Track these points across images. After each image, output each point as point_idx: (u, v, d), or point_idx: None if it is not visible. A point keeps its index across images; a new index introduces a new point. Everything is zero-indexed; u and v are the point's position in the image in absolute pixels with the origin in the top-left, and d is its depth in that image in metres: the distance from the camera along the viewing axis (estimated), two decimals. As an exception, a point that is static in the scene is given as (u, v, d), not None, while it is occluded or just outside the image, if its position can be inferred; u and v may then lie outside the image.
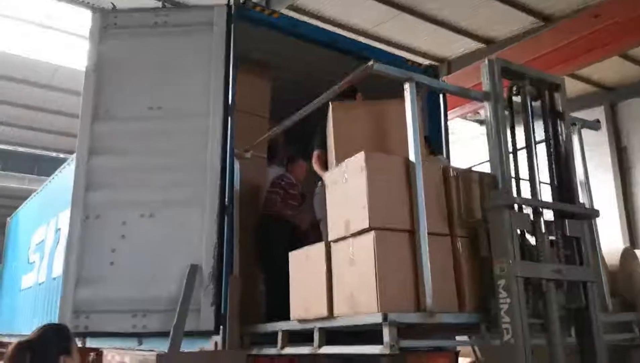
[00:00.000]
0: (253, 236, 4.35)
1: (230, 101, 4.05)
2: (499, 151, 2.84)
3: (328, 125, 3.46)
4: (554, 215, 2.98)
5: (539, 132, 3.10)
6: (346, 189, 2.85)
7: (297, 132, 4.78)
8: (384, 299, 2.56)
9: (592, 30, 8.03)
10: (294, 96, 5.24)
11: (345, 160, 2.88)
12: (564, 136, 3.11)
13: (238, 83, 4.64)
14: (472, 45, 9.55)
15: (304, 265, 3.14)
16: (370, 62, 2.86)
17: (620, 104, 11.15)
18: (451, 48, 9.69)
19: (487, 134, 2.93)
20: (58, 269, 7.06)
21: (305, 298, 3.07)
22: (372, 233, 2.64)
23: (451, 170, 2.96)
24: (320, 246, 2.99)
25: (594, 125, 3.59)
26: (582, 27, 8.15)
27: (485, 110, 2.97)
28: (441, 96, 5.31)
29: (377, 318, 2.52)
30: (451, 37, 9.26)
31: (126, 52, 4.18)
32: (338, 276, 2.86)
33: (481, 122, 12.97)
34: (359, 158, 2.75)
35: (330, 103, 3.45)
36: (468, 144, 11.36)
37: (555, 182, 3.04)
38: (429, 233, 2.71)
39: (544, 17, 8.93)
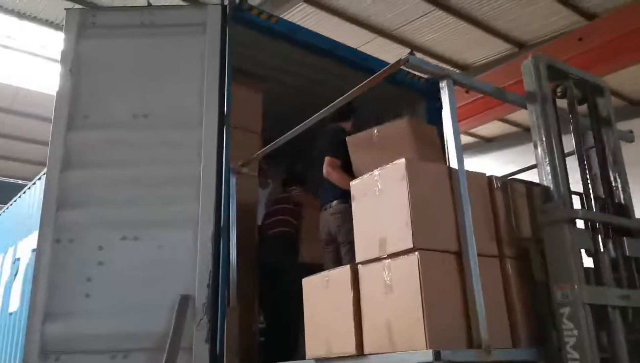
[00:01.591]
0: (248, 262, 3.86)
1: (225, 110, 3.62)
2: (551, 158, 2.48)
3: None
4: (608, 233, 2.62)
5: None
6: (380, 201, 2.43)
7: (278, 151, 4.43)
8: (433, 333, 2.13)
9: (575, 54, 7.95)
10: (285, 111, 4.91)
11: (378, 168, 2.47)
12: (611, 144, 2.78)
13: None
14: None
15: (323, 293, 2.68)
16: (405, 56, 2.49)
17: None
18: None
19: (535, 141, 2.57)
20: (15, 303, 6.37)
21: (326, 333, 2.60)
22: (416, 255, 2.21)
23: (495, 180, 2.58)
24: (344, 270, 2.54)
25: (627, 136, 3.29)
26: (564, 51, 8.05)
27: (530, 114, 2.62)
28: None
29: (427, 357, 2.08)
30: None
31: (107, 53, 3.71)
32: (370, 305, 2.41)
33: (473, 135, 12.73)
34: (398, 165, 2.34)
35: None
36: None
37: (607, 195, 2.70)
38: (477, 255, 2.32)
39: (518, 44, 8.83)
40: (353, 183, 2.63)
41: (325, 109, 3.29)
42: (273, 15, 4.07)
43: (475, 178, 2.51)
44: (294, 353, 3.74)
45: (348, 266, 2.53)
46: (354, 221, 2.57)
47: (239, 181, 3.72)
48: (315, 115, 3.36)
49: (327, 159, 3.60)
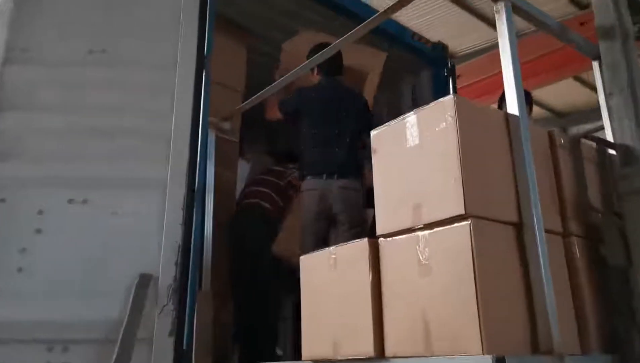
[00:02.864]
0: (224, 238, 3.21)
1: (205, 50, 2.95)
2: (635, 108, 1.92)
3: None
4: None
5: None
6: (415, 154, 1.81)
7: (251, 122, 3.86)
8: (491, 332, 1.54)
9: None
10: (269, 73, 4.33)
11: (413, 111, 1.85)
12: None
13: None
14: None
15: (328, 275, 2.05)
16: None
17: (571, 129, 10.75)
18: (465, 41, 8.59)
19: (609, 90, 2.01)
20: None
21: (332, 328, 1.98)
22: (467, 224, 1.61)
23: (557, 136, 1.99)
24: (360, 245, 1.92)
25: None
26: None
27: (604, 56, 2.05)
28: (451, 81, 4.44)
29: (483, 364, 1.49)
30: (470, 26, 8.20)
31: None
32: (395, 293, 1.80)
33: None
34: (445, 104, 1.73)
35: None
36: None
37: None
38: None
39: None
40: (373, 132, 2.00)
41: (315, 56, 2.74)
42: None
43: (533, 131, 1.92)
44: (269, 352, 3.13)
45: (365, 239, 1.91)
46: (374, 181, 1.95)
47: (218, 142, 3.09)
48: (304, 63, 2.80)
49: None
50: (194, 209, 2.71)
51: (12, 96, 2.75)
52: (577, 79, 9.19)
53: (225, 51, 3.87)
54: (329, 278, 2.04)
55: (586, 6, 7.93)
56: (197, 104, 2.84)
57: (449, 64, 4.37)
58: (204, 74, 2.90)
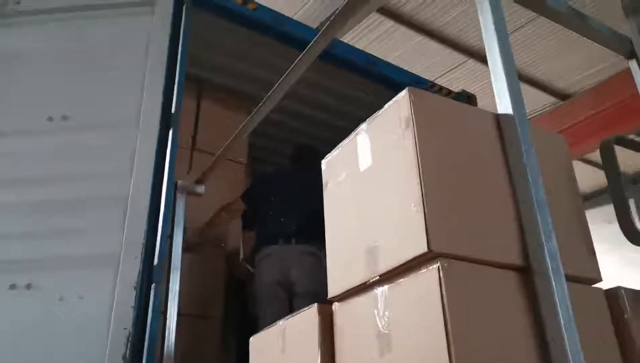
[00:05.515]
0: (209, 321, 2.72)
1: (173, 109, 2.62)
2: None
3: None
4: None
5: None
6: (368, 179, 1.30)
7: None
8: None
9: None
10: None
11: (368, 119, 1.36)
12: None
13: (204, 116, 3.49)
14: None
15: (277, 355, 1.50)
16: None
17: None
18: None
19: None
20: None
21: None
22: (435, 268, 1.06)
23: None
24: (309, 313, 1.37)
25: None
26: (621, 89, 6.93)
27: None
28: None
29: None
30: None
31: (27, 43, 2.80)
32: (353, 379, 1.23)
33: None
34: (400, 103, 1.23)
35: None
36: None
37: None
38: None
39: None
40: (324, 160, 1.51)
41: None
42: (250, 1, 3.13)
43: (548, 137, 1.37)
44: None
45: (315, 305, 1.36)
46: (325, 222, 1.44)
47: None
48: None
49: None
50: (152, 291, 2.24)
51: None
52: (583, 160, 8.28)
53: (222, 120, 3.61)
54: (278, 361, 1.47)
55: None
56: (160, 165, 2.46)
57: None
58: (171, 132, 2.55)
